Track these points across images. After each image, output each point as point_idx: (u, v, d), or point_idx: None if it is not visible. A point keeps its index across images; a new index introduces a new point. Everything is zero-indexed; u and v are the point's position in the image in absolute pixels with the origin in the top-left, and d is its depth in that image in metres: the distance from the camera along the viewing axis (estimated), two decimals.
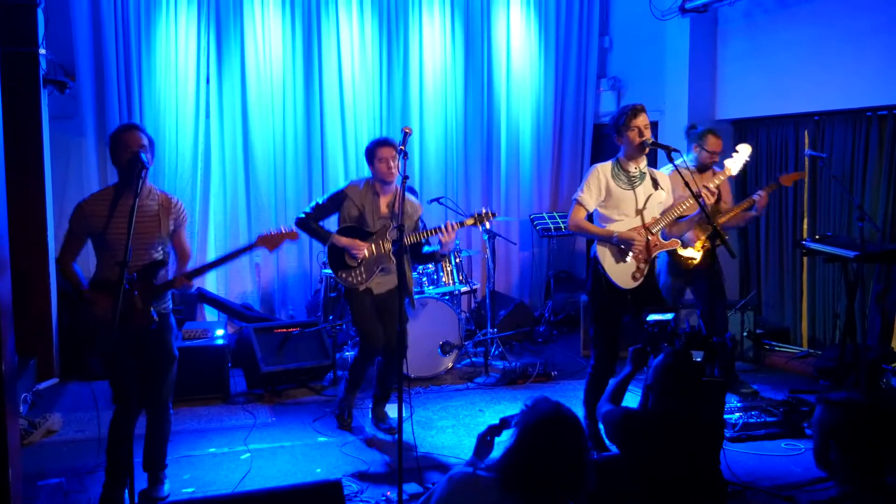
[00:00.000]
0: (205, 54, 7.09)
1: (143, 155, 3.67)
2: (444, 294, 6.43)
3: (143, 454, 4.05)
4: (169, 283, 3.86)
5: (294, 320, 6.90)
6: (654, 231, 4.46)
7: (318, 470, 4.47)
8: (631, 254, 4.39)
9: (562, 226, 7.78)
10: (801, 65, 6.56)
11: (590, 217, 4.57)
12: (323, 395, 5.81)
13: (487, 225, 5.07)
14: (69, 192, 6.80)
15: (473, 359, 6.65)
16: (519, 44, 8.13)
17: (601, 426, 3.41)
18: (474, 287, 6.89)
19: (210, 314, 7.13)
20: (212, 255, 7.21)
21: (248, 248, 4.03)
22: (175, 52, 6.95)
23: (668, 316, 4.15)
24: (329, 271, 5.16)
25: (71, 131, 6.75)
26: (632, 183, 4.45)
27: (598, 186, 4.43)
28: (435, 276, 6.54)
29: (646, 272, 4.45)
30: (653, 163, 7.58)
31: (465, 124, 8.02)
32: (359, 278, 4.88)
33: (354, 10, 7.50)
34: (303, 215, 4.97)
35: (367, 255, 4.84)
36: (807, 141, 6.78)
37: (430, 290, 6.40)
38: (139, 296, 3.68)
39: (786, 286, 7.06)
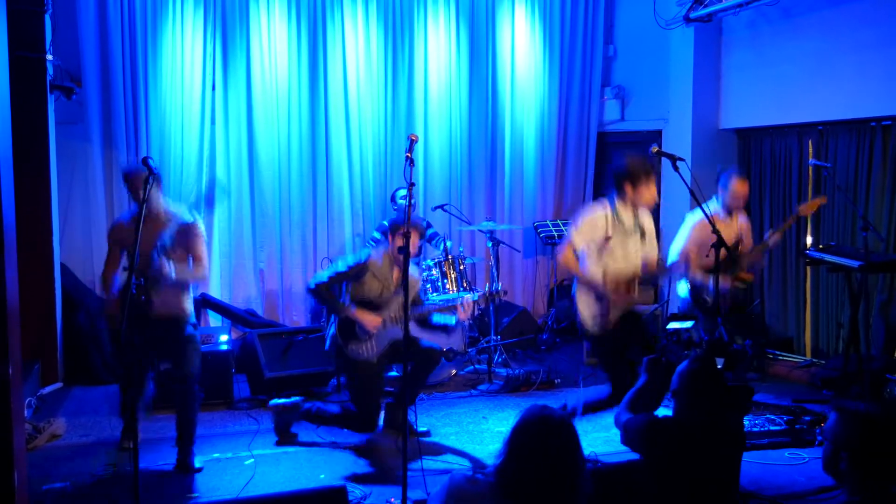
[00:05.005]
0: (211, 61, 7.12)
1: (150, 161, 3.91)
2: (447, 301, 6.42)
3: (176, 430, 4.54)
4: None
5: (298, 326, 6.91)
6: (635, 287, 4.55)
7: (322, 476, 4.47)
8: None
9: (565, 234, 7.78)
10: (805, 75, 6.58)
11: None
12: (326, 402, 5.80)
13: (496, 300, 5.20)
14: (74, 196, 6.83)
15: (477, 366, 6.65)
16: (523, 52, 8.15)
17: (621, 434, 3.38)
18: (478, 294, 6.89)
19: (214, 319, 7.14)
20: (216, 261, 7.22)
21: None
22: (181, 59, 6.98)
23: (688, 324, 4.18)
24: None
25: (77, 137, 6.77)
26: (626, 235, 4.53)
27: (591, 234, 4.51)
28: (439, 284, 6.55)
29: (618, 322, 4.52)
30: (657, 177, 7.61)
31: (470, 132, 8.04)
32: (370, 351, 4.78)
33: (360, 18, 7.53)
34: (314, 286, 4.80)
35: (380, 327, 4.78)
36: (811, 151, 6.80)
37: (433, 297, 6.40)
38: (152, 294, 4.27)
39: (789, 296, 7.06)
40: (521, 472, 2.29)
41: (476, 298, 5.02)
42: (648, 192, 4.50)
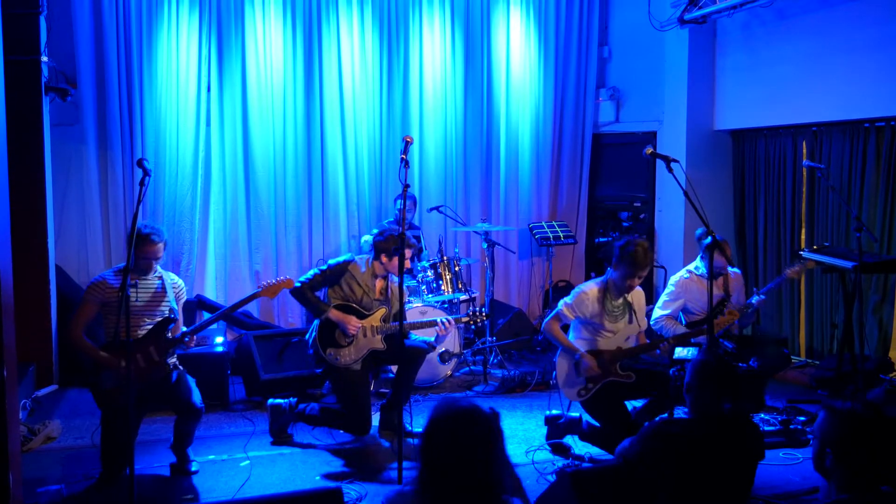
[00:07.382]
0: (206, 62, 7.11)
1: (145, 163, 3.87)
2: (442, 302, 6.43)
3: (174, 436, 4.47)
4: (177, 339, 4.36)
5: (293, 328, 6.91)
6: (615, 361, 4.59)
7: (318, 477, 4.48)
8: (584, 374, 4.60)
9: (560, 235, 7.80)
10: (799, 76, 6.61)
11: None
12: (321, 403, 5.80)
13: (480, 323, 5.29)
14: (69, 198, 6.82)
15: (472, 367, 6.66)
16: (518, 53, 8.16)
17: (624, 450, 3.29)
18: (473, 295, 6.90)
19: None
20: (211, 263, 7.23)
21: (250, 299, 4.68)
22: (176, 60, 6.97)
23: (692, 351, 4.19)
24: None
25: (72, 138, 6.76)
26: (613, 316, 4.62)
27: (581, 311, 4.60)
28: (434, 285, 6.56)
29: (593, 392, 4.60)
30: (651, 178, 7.65)
31: (465, 133, 8.05)
32: (348, 358, 4.82)
33: (355, 19, 7.54)
34: (298, 284, 4.85)
35: (359, 336, 4.83)
36: (804, 152, 6.82)
37: (428, 298, 6.41)
38: (154, 349, 4.25)
39: (784, 296, 7.08)
40: (438, 469, 2.12)
41: (461, 316, 5.14)
42: (639, 281, 4.61)
